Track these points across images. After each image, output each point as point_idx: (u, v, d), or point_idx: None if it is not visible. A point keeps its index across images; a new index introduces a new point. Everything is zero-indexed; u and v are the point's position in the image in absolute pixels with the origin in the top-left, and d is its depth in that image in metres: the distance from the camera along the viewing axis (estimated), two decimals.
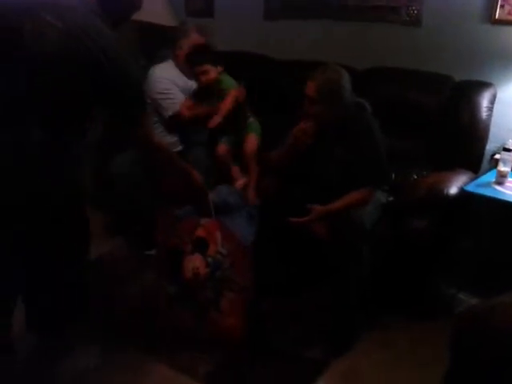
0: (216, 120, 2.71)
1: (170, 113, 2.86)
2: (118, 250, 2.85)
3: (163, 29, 3.32)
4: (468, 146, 2.57)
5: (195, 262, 2.11)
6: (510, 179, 2.29)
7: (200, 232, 2.17)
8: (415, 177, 2.60)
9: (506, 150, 2.27)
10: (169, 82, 2.89)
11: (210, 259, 2.13)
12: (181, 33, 2.93)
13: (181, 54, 2.89)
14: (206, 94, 2.81)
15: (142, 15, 3.26)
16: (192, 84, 2.92)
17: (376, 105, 2.52)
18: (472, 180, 2.39)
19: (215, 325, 2.11)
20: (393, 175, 2.62)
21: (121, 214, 2.96)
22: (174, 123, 2.89)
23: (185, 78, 2.95)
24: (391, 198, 2.44)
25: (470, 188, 2.25)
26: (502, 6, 2.62)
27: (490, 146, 2.60)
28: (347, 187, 2.18)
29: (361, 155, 2.16)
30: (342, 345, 2.16)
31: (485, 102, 2.57)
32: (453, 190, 2.25)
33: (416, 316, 2.32)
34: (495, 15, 2.64)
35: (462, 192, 2.24)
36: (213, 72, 2.73)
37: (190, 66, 2.81)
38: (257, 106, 2.98)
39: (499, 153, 2.34)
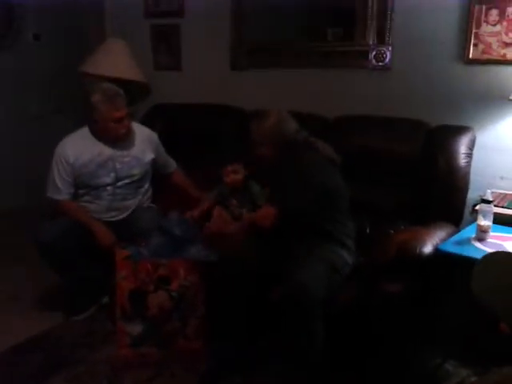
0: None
1: (47, 193, 2.52)
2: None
3: (130, 83, 3.16)
4: (446, 196, 2.34)
5: (159, 299, 2.23)
6: (492, 234, 2.03)
7: (162, 271, 2.24)
8: (392, 231, 2.35)
9: (485, 201, 2.01)
10: (61, 157, 2.48)
11: (174, 293, 2.24)
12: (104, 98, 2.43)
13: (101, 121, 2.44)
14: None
15: (109, 70, 3.21)
16: (114, 153, 2.52)
17: (348, 153, 2.33)
18: (451, 235, 2.13)
19: (183, 351, 2.25)
20: (355, 226, 2.39)
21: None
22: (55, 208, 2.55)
23: (101, 146, 2.51)
24: (361, 259, 2.20)
25: (446, 247, 1.97)
26: (475, 45, 2.45)
27: (473, 195, 2.36)
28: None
29: (287, 184, 2.15)
30: None
31: (463, 147, 2.37)
32: (427, 248, 1.99)
33: None
34: (468, 55, 2.48)
35: (437, 252, 1.97)
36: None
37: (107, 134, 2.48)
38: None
39: None
